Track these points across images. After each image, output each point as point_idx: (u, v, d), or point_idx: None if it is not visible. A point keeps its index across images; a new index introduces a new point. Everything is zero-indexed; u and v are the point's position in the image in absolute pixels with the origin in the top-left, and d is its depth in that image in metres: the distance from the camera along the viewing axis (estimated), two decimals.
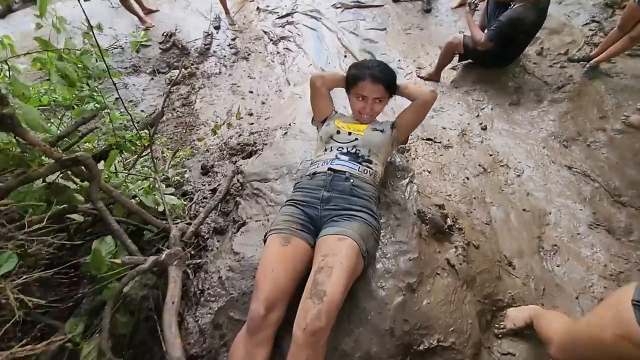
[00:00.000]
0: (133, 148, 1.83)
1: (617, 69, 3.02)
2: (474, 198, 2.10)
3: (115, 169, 1.64)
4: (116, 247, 1.27)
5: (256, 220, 1.48)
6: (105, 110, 1.55)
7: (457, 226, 1.48)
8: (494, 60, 3.03)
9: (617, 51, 2.77)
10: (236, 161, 2.09)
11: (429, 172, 2.25)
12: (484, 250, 1.52)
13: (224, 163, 2.26)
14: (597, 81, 2.98)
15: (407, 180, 1.61)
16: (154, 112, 2.52)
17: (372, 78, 1.51)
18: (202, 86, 4.03)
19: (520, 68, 3.14)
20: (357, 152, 1.48)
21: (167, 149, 3.17)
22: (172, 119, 3.65)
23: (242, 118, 2.90)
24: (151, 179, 1.56)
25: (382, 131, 1.56)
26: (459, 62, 3.28)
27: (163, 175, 1.81)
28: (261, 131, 2.90)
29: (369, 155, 1.48)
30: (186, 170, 2.19)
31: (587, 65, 2.93)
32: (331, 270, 1.08)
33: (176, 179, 1.96)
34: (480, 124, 2.77)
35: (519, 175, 2.40)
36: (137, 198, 1.43)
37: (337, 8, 4.41)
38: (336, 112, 1.72)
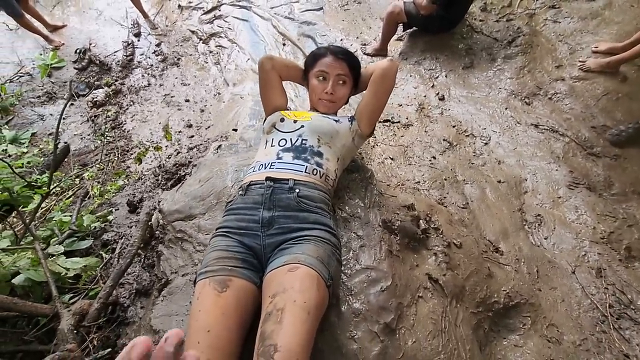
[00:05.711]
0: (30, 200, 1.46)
1: (562, 13, 2.90)
2: (445, 180, 1.88)
3: None
4: None
5: (182, 275, 1.14)
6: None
7: (432, 226, 1.24)
8: (440, 24, 2.81)
9: None
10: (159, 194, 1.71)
11: (392, 159, 2.01)
12: (468, 245, 1.29)
13: (156, 193, 1.89)
14: (546, 29, 2.85)
15: (364, 183, 1.32)
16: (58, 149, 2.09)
17: (333, 53, 1.35)
18: (131, 103, 3.57)
19: (467, 28, 2.95)
20: (304, 143, 1.22)
21: (98, 182, 2.76)
22: (102, 146, 3.21)
23: (172, 138, 2.51)
24: (37, 246, 1.20)
25: (336, 121, 1.31)
26: (403, 31, 3.05)
27: (68, 229, 1.44)
28: (200, 144, 2.55)
29: (319, 146, 1.22)
30: (111, 211, 1.81)
31: None
32: (281, 314, 0.80)
33: (95, 227, 1.58)
34: (437, 94, 2.56)
35: (486, 144, 2.22)
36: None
37: None
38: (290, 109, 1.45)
